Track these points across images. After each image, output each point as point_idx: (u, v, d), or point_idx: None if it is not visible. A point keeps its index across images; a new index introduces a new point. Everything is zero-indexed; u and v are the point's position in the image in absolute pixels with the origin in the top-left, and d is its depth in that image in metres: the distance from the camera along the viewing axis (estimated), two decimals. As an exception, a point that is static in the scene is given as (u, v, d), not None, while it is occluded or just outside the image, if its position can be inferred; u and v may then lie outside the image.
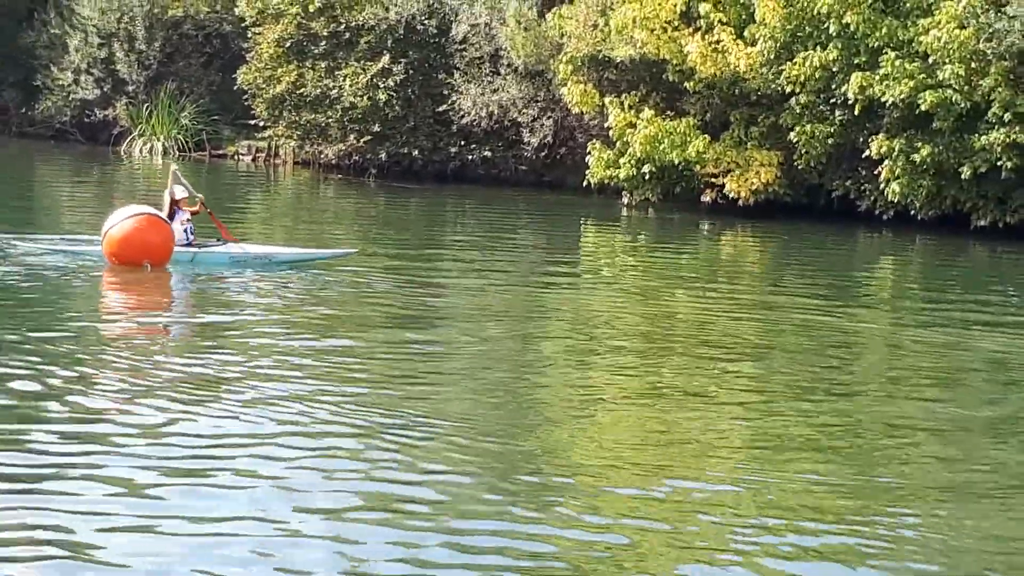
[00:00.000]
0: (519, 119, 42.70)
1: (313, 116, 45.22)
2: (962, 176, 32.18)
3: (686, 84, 36.15)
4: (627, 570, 9.19)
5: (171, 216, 21.58)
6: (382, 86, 43.81)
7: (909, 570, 9.41)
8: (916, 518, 10.55)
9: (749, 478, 11.46)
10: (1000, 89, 31.23)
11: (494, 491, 10.65)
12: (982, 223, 32.96)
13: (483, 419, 13.07)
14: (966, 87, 31.63)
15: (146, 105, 49.04)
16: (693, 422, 13.35)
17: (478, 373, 15.35)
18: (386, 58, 43.86)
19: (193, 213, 22.12)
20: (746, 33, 35.14)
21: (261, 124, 47.47)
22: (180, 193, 21.89)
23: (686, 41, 35.48)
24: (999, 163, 31.46)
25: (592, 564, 9.26)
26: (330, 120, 44.87)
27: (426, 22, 44.25)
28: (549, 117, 42.29)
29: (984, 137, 31.61)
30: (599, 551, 9.49)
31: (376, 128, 44.19)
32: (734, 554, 9.50)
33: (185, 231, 21.79)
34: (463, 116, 43.26)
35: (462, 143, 44.11)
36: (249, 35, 46.66)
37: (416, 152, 44.45)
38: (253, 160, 49.08)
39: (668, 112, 36.71)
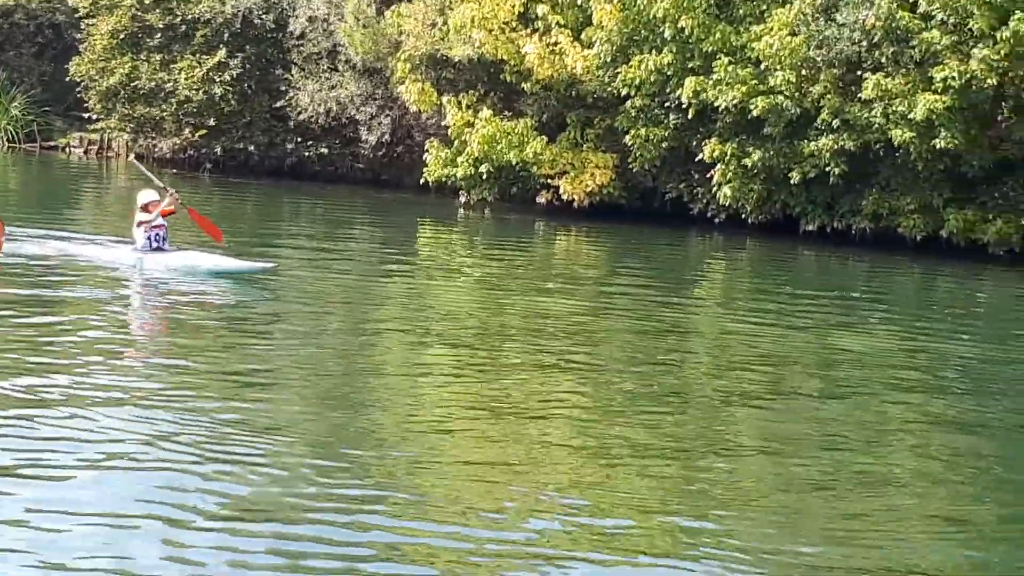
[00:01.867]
0: (357, 116, 42.58)
1: (147, 109, 44.62)
2: (791, 181, 32.77)
3: (524, 85, 36.38)
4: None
5: (140, 222, 21.27)
6: (218, 80, 43.41)
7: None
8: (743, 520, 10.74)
9: (584, 479, 11.58)
10: (829, 96, 31.84)
11: (327, 491, 10.61)
12: (810, 227, 33.60)
13: (318, 419, 13.02)
14: (796, 93, 32.21)
15: (-25, 95, 48.04)
16: (525, 419, 13.44)
17: (312, 368, 15.26)
18: (222, 52, 43.47)
19: (166, 214, 21.51)
20: (583, 36, 35.45)
21: (94, 117, 46.73)
22: (144, 198, 21.39)
23: (524, 42, 35.71)
24: (827, 169, 32.06)
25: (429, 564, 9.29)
26: (165, 114, 44.31)
27: (263, 16, 43.91)
28: (387, 115, 42.22)
29: (813, 143, 32.21)
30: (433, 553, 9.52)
31: (212, 122, 43.77)
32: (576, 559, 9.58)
33: (149, 238, 21.18)
34: (300, 112, 43.03)
35: (299, 139, 43.89)
36: (82, 26, 45.89)
37: (252, 147, 44.12)
38: (85, 153, 48.32)
39: (506, 112, 36.89)
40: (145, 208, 21.35)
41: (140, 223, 21.29)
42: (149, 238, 21.21)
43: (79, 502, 9.79)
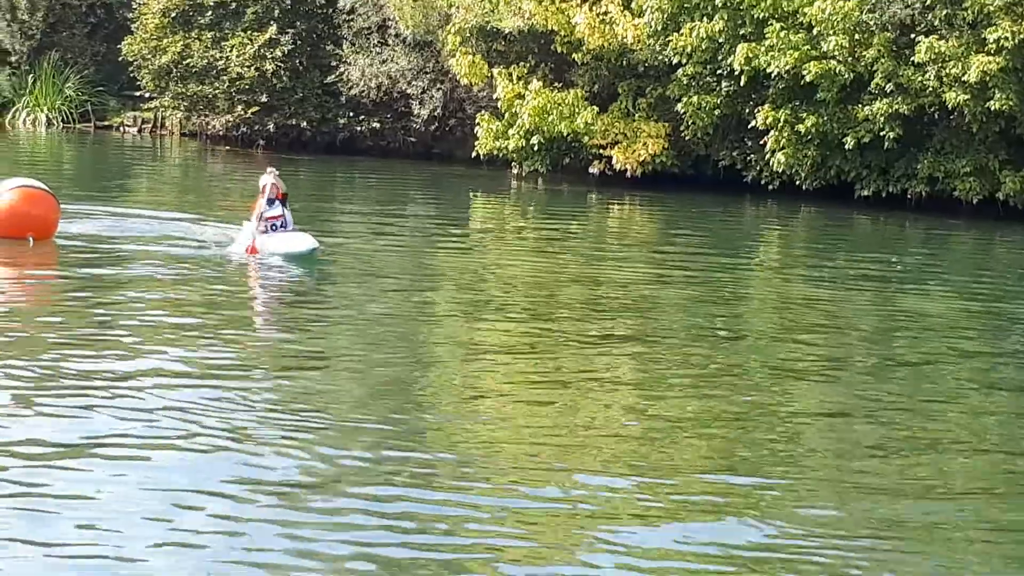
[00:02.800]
0: (408, 91, 42.60)
1: (200, 87, 44.75)
2: (846, 146, 32.59)
3: (574, 55, 36.30)
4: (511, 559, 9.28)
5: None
6: (269, 56, 43.49)
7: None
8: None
9: (640, 463, 11.63)
10: (883, 60, 31.64)
11: (384, 466, 10.70)
12: (865, 193, 33.41)
13: (376, 391, 13.13)
14: (850, 58, 32.03)
15: (30, 76, 48.30)
16: (589, 393, 13.49)
17: (372, 340, 15.36)
18: (273, 28, 43.54)
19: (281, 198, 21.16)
20: (633, 4, 35.32)
21: (147, 95, 46.95)
22: (264, 180, 21.07)
23: (574, 12, 35.60)
24: (882, 133, 31.87)
25: (477, 540, 9.35)
26: (217, 91, 44.44)
27: (314, -8, 43.98)
28: (438, 88, 42.22)
29: (867, 108, 32.04)
30: (484, 528, 9.58)
31: (264, 99, 43.87)
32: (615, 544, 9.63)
33: (267, 229, 20.79)
34: (351, 87, 43.08)
35: (351, 114, 43.93)
36: (134, 5, 46.06)
37: (304, 123, 44.20)
38: (139, 132, 48.53)
39: (556, 83, 36.81)
40: (263, 192, 21.06)
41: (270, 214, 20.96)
42: (267, 229, 20.79)
43: (149, 477, 9.92)
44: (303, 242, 20.39)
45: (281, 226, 20.83)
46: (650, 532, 9.37)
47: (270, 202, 20.81)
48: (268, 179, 20.99)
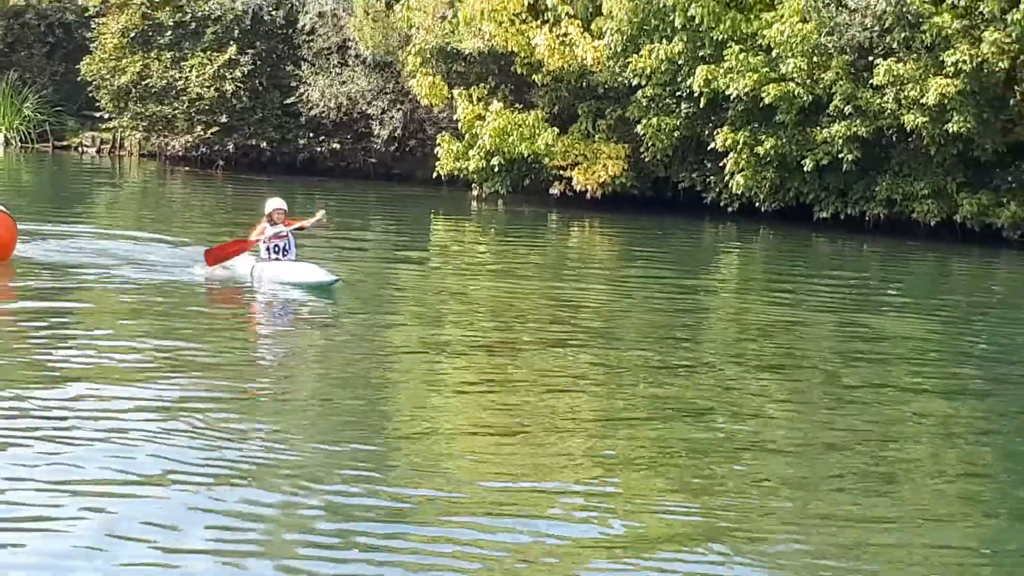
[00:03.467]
0: (368, 111, 42.64)
1: (159, 107, 44.67)
2: (804, 169, 32.71)
3: (534, 77, 36.40)
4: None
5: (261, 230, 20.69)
6: (229, 77, 43.44)
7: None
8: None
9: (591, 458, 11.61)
10: (841, 82, 31.79)
11: (343, 467, 10.66)
12: (824, 215, 33.52)
13: (336, 404, 13.09)
14: (808, 80, 32.16)
15: (-13, 95, 48.14)
16: (542, 412, 13.45)
17: (334, 356, 15.32)
18: (233, 49, 43.51)
19: (299, 227, 20.91)
20: (593, 26, 35.44)
21: (106, 115, 46.84)
22: (270, 206, 20.75)
23: (534, 34, 35.69)
24: (840, 156, 31.99)
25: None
26: (176, 111, 44.36)
27: (272, 12, 43.97)
28: (398, 109, 42.28)
29: (826, 130, 32.17)
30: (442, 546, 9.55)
31: (223, 119, 43.81)
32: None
33: (268, 248, 20.60)
34: (311, 108, 43.08)
35: (311, 135, 43.94)
36: (93, 25, 45.96)
37: (264, 144, 44.18)
38: (98, 152, 48.40)
39: (517, 105, 36.88)
40: (269, 217, 20.72)
41: (273, 233, 20.69)
42: (268, 248, 20.61)
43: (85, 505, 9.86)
44: (319, 273, 20.03)
45: (284, 249, 20.62)
46: (608, 563, 9.33)
47: (272, 223, 20.61)
48: (279, 203, 20.77)
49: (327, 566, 8.91)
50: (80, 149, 48.86)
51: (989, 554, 9.95)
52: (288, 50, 44.33)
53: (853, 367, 16.77)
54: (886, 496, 11.09)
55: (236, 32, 43.89)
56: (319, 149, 43.92)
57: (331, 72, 43.03)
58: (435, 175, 38.22)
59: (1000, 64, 29.68)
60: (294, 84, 43.66)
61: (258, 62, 43.89)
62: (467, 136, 36.94)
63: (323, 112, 42.91)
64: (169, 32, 44.57)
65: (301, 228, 21.13)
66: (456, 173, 37.56)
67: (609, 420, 13.43)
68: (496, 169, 36.48)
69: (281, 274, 20.22)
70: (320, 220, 21.30)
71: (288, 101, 43.85)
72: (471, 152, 36.66)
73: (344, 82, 42.70)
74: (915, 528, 10.31)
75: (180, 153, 44.89)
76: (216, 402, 12.94)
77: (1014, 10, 29.13)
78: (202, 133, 43.96)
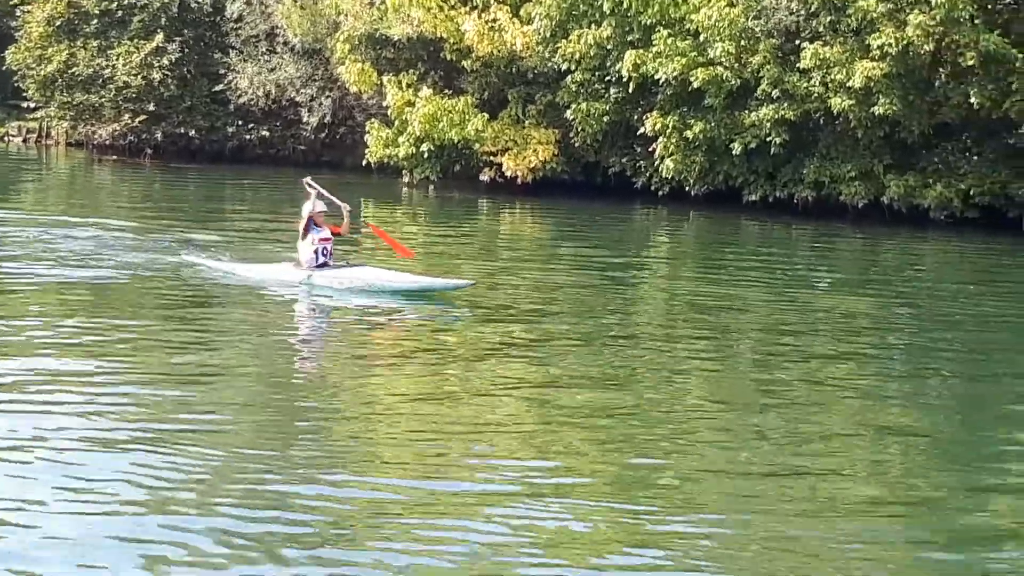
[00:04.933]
0: (297, 98, 42.50)
1: (86, 96, 44.36)
2: (733, 152, 32.89)
3: (464, 63, 36.38)
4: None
5: (305, 232, 19.30)
6: (156, 65, 43.19)
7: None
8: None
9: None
10: (769, 66, 31.98)
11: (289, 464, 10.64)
12: (753, 198, 33.69)
13: (270, 400, 13.05)
14: (736, 64, 32.32)
15: (-91, 86, 47.59)
16: (472, 396, 13.48)
17: (260, 357, 15.27)
18: (160, 36, 43.25)
19: (335, 233, 19.59)
20: (522, 12, 35.46)
21: (32, 105, 46.42)
22: (314, 208, 19.29)
23: (463, 20, 35.68)
24: (768, 139, 32.19)
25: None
26: (103, 100, 44.06)
27: (200, 0, 43.68)
28: (327, 96, 42.15)
29: (754, 114, 32.35)
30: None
31: (151, 108, 43.56)
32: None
33: (316, 252, 19.21)
34: (240, 95, 42.89)
35: (240, 123, 43.77)
36: (18, 13, 45.52)
37: (192, 132, 43.97)
38: (24, 141, 47.98)
39: (446, 91, 36.85)
40: (312, 221, 19.36)
41: (320, 237, 19.36)
42: (316, 252, 19.28)
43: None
44: (447, 280, 19.41)
45: (329, 253, 19.46)
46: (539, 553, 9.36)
47: (317, 226, 19.42)
48: (320, 205, 19.50)
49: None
50: (6, 139, 48.41)
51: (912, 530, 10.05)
52: (216, 38, 44.14)
53: (781, 344, 16.86)
54: (815, 482, 11.17)
55: (163, 20, 43.64)
56: (248, 137, 43.75)
57: (259, 59, 42.86)
58: (365, 162, 38.12)
59: (925, 47, 29.95)
60: (222, 72, 43.46)
61: (186, 50, 43.69)
62: (397, 123, 36.87)
63: (252, 100, 42.73)
64: (95, 20, 44.25)
65: (338, 233, 19.97)
66: (386, 160, 37.49)
67: (539, 399, 13.44)
68: (426, 155, 36.44)
69: (398, 281, 19.10)
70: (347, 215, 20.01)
71: (216, 89, 43.64)
72: (401, 139, 36.61)
73: (273, 69, 42.53)
74: (843, 519, 10.31)
75: (108, 142, 44.57)
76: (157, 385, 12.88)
77: (938, -8, 29.39)
78: (130, 122, 43.69)
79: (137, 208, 31.31)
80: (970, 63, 29.94)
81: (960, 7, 29.18)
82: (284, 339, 16.20)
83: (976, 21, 29.84)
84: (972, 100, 30.14)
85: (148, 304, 17.90)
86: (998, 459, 11.85)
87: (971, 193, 31.30)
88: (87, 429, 11.23)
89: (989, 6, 30.88)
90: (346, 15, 37.95)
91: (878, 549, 9.31)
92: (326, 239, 19.37)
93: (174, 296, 18.52)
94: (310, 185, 19.78)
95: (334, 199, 19.80)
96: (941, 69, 31.19)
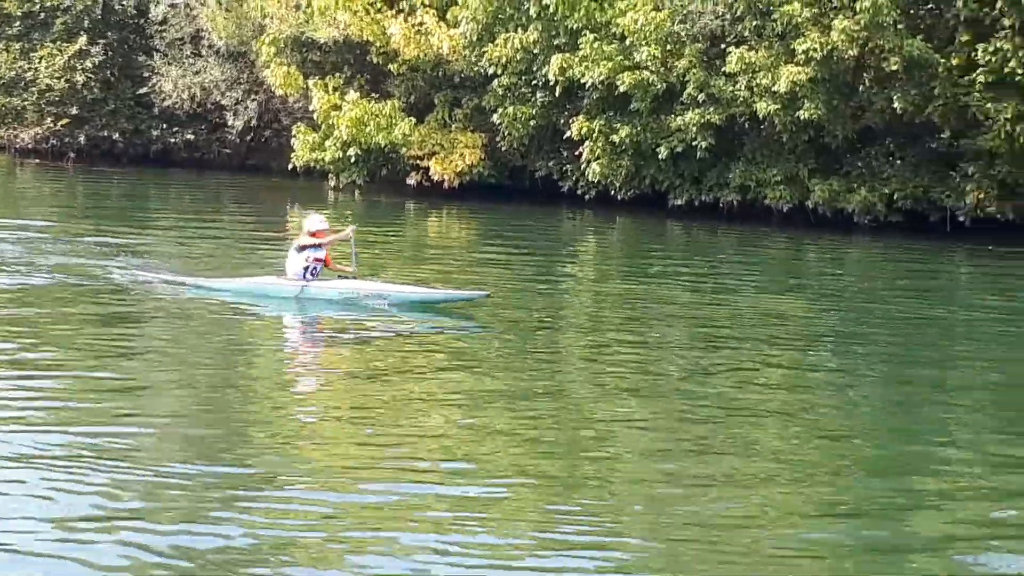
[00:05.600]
0: (222, 101, 42.22)
1: (7, 99, 43.90)
2: (659, 156, 32.94)
3: (390, 66, 36.26)
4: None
5: (303, 247, 18.71)
6: (80, 68, 42.80)
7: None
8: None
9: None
10: (694, 70, 32.08)
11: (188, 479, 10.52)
12: (679, 202, 33.75)
13: (189, 407, 12.93)
14: (662, 68, 32.40)
15: None
16: (400, 401, 13.42)
17: (184, 364, 15.13)
18: (83, 39, 42.84)
19: (325, 264, 18.90)
20: (448, 15, 35.39)
21: (-48, 108, 45.87)
22: (313, 225, 18.81)
23: (389, 23, 35.59)
24: (694, 143, 32.29)
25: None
26: (26, 103, 43.62)
27: (124, 3, 43.38)
28: (253, 100, 41.93)
29: (680, 118, 32.43)
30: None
31: (74, 111, 43.16)
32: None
33: (306, 269, 18.66)
34: (164, 98, 42.56)
35: (164, 126, 43.44)
36: (-62, 16, 44.99)
37: (117, 135, 43.60)
38: (-55, 146, 47.34)
39: (373, 94, 36.73)
40: (313, 236, 18.80)
41: (303, 247, 18.80)
42: (306, 268, 18.75)
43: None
44: (460, 292, 19.09)
45: (316, 272, 18.88)
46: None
47: (318, 245, 18.81)
48: (321, 224, 18.97)
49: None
50: (-73, 143, 47.78)
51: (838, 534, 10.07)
52: (140, 40, 43.82)
53: (708, 344, 16.92)
54: (742, 490, 11.17)
55: (86, 22, 43.25)
56: (173, 140, 43.43)
57: (184, 62, 42.57)
58: (291, 166, 37.94)
59: (849, 52, 30.15)
60: (146, 75, 43.13)
61: (109, 52, 43.30)
62: (323, 126, 36.70)
63: (176, 103, 42.42)
64: (17, 23, 43.82)
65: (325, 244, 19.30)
66: (312, 164, 37.32)
67: (459, 409, 13.40)
68: (353, 159, 36.30)
69: (418, 294, 18.71)
70: (347, 236, 19.26)
71: (141, 92, 43.31)
72: (327, 142, 36.45)
73: (197, 72, 42.25)
74: (767, 529, 10.31)
75: (30, 145, 44.11)
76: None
77: (862, -2, 29.58)
78: (52, 125, 43.26)
79: (60, 211, 30.98)
80: (894, 68, 30.17)
81: (884, 13, 29.41)
82: (265, 352, 15.96)
83: (899, 27, 30.09)
84: (896, 105, 30.37)
85: (79, 311, 17.71)
86: (924, 464, 11.88)
87: (894, 197, 31.52)
88: (10, 444, 11.05)
89: (912, 11, 31.13)
90: (271, 18, 37.74)
91: (803, 556, 9.31)
92: (320, 259, 18.80)
93: (117, 305, 18.34)
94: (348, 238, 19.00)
95: (354, 260, 19.16)
96: (865, 74, 31.39)
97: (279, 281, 18.96)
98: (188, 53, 42.73)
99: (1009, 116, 29.10)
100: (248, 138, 42.77)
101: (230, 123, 42.37)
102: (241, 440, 11.57)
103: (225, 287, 19.27)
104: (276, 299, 18.69)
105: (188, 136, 43.21)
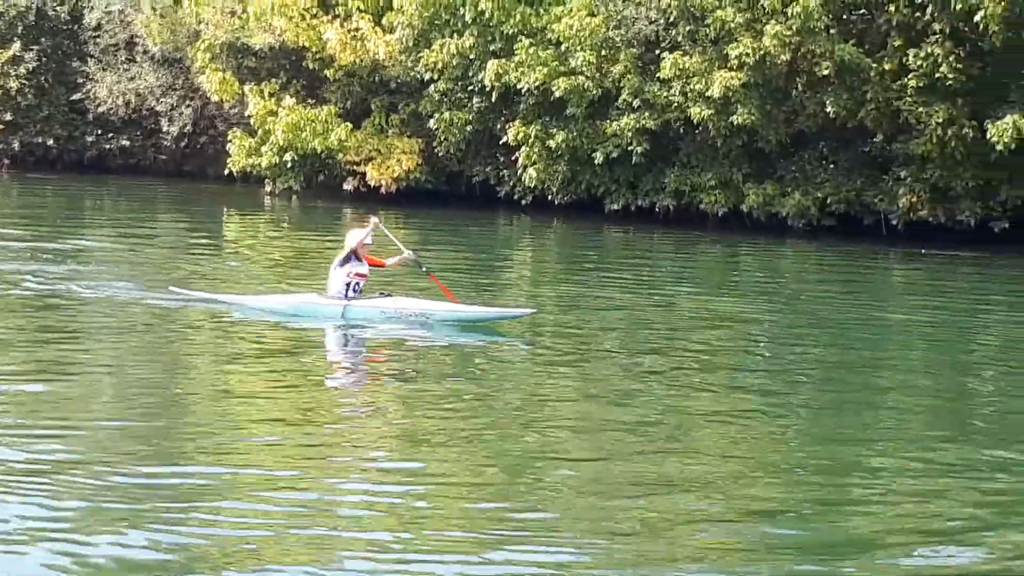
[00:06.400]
0: (157, 108, 42.05)
1: (-61, 106, 43.52)
2: (595, 161, 33.07)
3: (326, 72, 36.25)
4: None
5: (344, 261, 18.02)
6: (13, 74, 42.49)
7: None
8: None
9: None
10: (629, 76, 32.25)
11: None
12: (615, 207, 33.90)
13: (123, 408, 12.90)
14: (597, 74, 32.54)
15: None
16: (332, 408, 13.44)
17: (116, 366, 15.08)
18: (17, 45, 42.54)
19: (376, 265, 18.42)
20: (384, 20, 35.39)
21: None
22: (363, 239, 18.01)
23: (325, 29, 35.57)
24: (630, 148, 32.44)
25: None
26: (-43, 110, 43.27)
27: (57, 8, 43.09)
28: (188, 105, 41.78)
29: (615, 123, 32.59)
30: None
31: (7, 117, 42.86)
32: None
33: (349, 285, 17.95)
34: (99, 104, 42.33)
35: (99, 132, 43.22)
36: None
37: (51, 141, 43.32)
38: None
39: (309, 100, 36.70)
40: (354, 252, 18.10)
41: (356, 272, 18.09)
42: (348, 285, 18.07)
43: None
44: (504, 309, 18.47)
45: (360, 289, 18.25)
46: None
47: (358, 259, 18.18)
48: (369, 238, 18.23)
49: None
50: None
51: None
52: (74, 46, 43.54)
53: (644, 347, 17.01)
54: (674, 495, 11.26)
55: (20, 28, 42.95)
56: (108, 146, 43.22)
57: (119, 68, 42.39)
58: (227, 171, 37.85)
59: (782, 57, 30.39)
60: (81, 81, 42.90)
61: (43, 58, 43.01)
62: (259, 132, 36.63)
63: (111, 109, 42.23)
64: (-52, 28, 43.43)
65: (379, 266, 18.88)
66: (249, 169, 37.24)
67: (394, 412, 13.44)
68: (289, 165, 36.25)
69: (463, 313, 18.05)
70: (407, 259, 18.88)
71: (75, 98, 43.06)
72: (264, 148, 36.39)
73: (132, 78, 42.09)
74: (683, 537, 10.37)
75: (-38, 153, 43.76)
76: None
77: (794, 3, 29.78)
78: (-15, 131, 42.93)
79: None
80: (826, 73, 30.46)
81: (816, 18, 29.69)
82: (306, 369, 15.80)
83: (831, 32, 30.41)
84: (828, 109, 30.66)
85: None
86: (855, 465, 11.99)
87: (828, 201, 31.83)
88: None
89: (844, 17, 31.45)
90: (207, 24, 37.61)
91: (737, 554, 9.38)
92: (362, 274, 18.20)
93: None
94: (377, 226, 18.37)
95: (399, 244, 18.99)
96: (798, 79, 31.67)
97: (320, 300, 18.33)
98: (123, 59, 42.53)
99: (940, 120, 29.42)
100: (183, 144, 42.58)
101: (165, 129, 42.20)
102: (174, 447, 11.57)
103: (265, 306, 18.68)
104: (319, 319, 18.11)
105: (123, 142, 43.01)
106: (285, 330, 17.58)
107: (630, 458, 11.74)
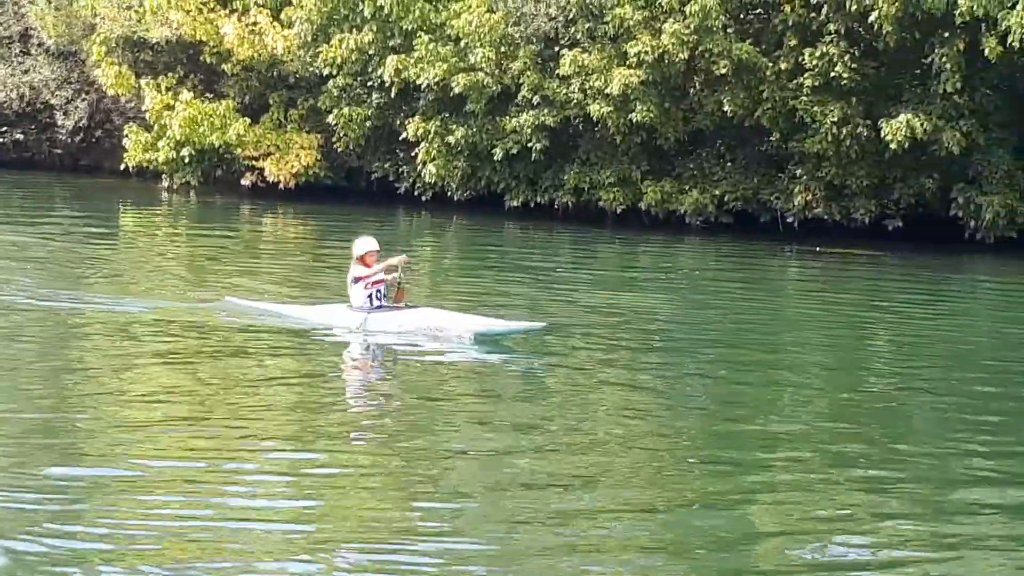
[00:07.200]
0: (52, 101, 41.58)
1: None
2: (495, 158, 33.11)
3: (224, 66, 36.01)
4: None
5: (357, 279, 17.35)
6: (-98, 67, 41.83)
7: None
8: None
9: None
10: (529, 72, 32.30)
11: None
12: (515, 203, 33.92)
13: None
14: (497, 70, 32.58)
15: None
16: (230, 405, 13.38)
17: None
18: (-95, 38, 41.91)
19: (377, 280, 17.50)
20: (283, 15, 35.23)
21: None
22: (362, 248, 17.40)
23: (222, 23, 35.33)
24: (529, 145, 32.49)
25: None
26: None
27: (-50, 0, 42.51)
28: (83, 99, 41.34)
29: (515, 119, 32.64)
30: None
31: None
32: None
33: (371, 296, 17.33)
34: (-8, 98, 41.78)
35: (-8, 126, 42.62)
36: None
37: (-57, 136, 42.70)
38: None
39: (207, 94, 36.42)
40: (362, 260, 17.48)
41: (358, 278, 17.44)
42: (370, 295, 17.46)
43: None
44: (518, 323, 17.42)
45: (383, 295, 17.74)
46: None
47: (367, 267, 17.50)
48: (369, 246, 17.51)
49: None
50: None
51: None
52: (-34, 39, 42.89)
53: (542, 343, 17.05)
54: (570, 490, 11.30)
55: (-92, 21, 42.29)
56: (1, 140, 42.61)
57: (12, 61, 41.86)
58: (124, 166, 37.47)
59: (680, 55, 30.55)
60: (-28, 74, 42.28)
61: (-66, 51, 42.36)
62: (156, 126, 36.28)
63: (5, 102, 41.71)
64: None
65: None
66: (145, 164, 36.89)
67: (299, 419, 13.40)
68: (186, 160, 35.95)
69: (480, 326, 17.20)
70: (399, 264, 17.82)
71: (-33, 91, 42.43)
72: (160, 143, 36.05)
73: (26, 71, 41.59)
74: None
75: None
76: None
77: (691, 2, 29.96)
78: None
79: None
80: (723, 71, 30.68)
81: (713, 17, 29.88)
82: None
83: (728, 31, 30.67)
84: (725, 108, 30.90)
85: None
86: (756, 458, 12.11)
87: (725, 199, 32.07)
88: None
89: (741, 16, 31.73)
90: (103, 17, 37.18)
91: (644, 549, 9.42)
92: (378, 281, 17.56)
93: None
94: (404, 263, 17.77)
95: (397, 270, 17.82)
96: (696, 77, 31.92)
97: (342, 311, 17.78)
98: (16, 52, 42.02)
99: (835, 119, 29.76)
100: (79, 138, 42.09)
101: (60, 123, 41.72)
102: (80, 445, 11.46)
103: (294, 315, 18.27)
104: (338, 329, 17.58)
105: (17, 136, 42.45)
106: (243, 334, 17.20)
107: (525, 454, 11.76)
